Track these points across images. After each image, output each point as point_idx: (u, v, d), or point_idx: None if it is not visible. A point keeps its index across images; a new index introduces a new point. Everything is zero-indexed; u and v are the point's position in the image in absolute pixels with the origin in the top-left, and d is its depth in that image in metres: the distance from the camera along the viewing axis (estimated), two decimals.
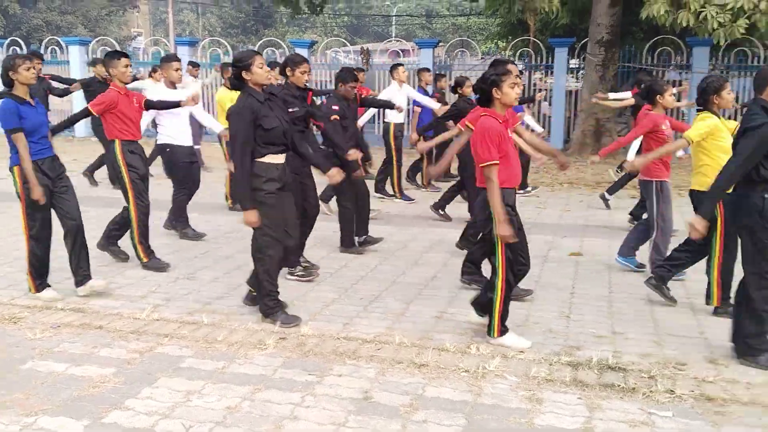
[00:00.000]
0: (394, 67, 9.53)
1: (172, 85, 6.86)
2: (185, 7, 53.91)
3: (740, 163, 3.91)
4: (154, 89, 7.25)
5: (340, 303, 5.12)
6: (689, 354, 4.19)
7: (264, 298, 4.59)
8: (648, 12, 9.58)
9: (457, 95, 7.49)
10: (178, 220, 7.14)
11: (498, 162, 4.01)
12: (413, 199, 9.32)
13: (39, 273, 5.12)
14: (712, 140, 4.88)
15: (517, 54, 17.00)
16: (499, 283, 4.16)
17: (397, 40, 24.86)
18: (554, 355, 4.13)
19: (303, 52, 16.52)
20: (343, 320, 4.73)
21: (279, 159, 4.52)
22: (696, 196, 5.00)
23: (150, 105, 6.12)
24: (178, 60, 6.96)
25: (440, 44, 18.06)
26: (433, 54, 16.44)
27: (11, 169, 4.91)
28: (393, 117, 9.33)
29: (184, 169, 6.93)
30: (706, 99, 4.90)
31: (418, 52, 16.99)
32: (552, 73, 15.90)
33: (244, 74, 4.42)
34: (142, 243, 5.92)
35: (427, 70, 10.57)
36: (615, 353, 4.18)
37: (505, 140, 4.09)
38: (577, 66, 17.88)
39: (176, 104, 6.36)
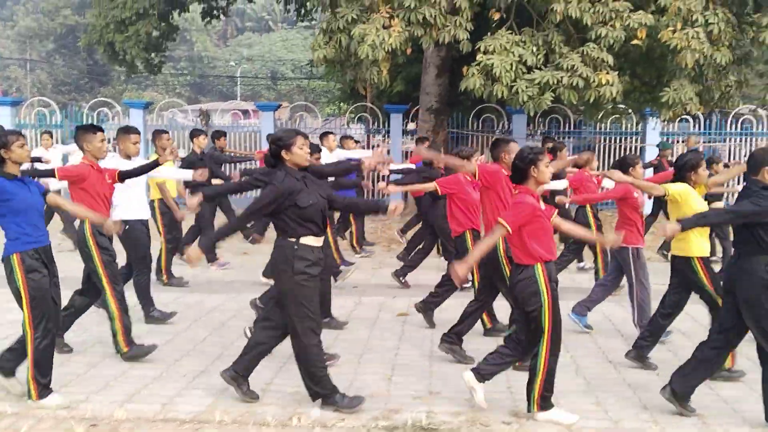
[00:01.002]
0: (324, 135, 10.26)
1: (128, 158, 6.16)
2: (11, 63, 50.80)
3: (738, 214, 4.34)
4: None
5: (161, 381, 4.97)
6: (495, 411, 4.46)
7: (324, 389, 4.39)
8: (466, 85, 10.35)
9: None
10: (143, 303, 6.52)
11: (510, 230, 4.17)
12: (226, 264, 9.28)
13: (44, 374, 4.42)
14: (688, 205, 5.00)
15: (356, 118, 17.66)
16: (542, 363, 4.22)
17: (243, 100, 24.87)
18: (373, 420, 4.26)
19: (138, 113, 16.12)
20: (162, 400, 4.59)
21: (318, 242, 4.36)
22: (677, 261, 5.17)
23: (125, 175, 5.59)
24: (137, 132, 6.29)
25: (283, 106, 18.34)
26: (274, 117, 16.65)
27: (6, 260, 4.39)
28: None
29: (147, 246, 6.45)
30: (684, 175, 5.19)
31: (260, 115, 17.13)
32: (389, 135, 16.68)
33: (283, 153, 4.32)
34: (126, 333, 5.36)
35: (351, 137, 11.54)
36: (429, 414, 4.38)
37: (541, 216, 4.26)
38: (414, 129, 18.84)
39: (155, 164, 5.81)
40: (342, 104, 23.09)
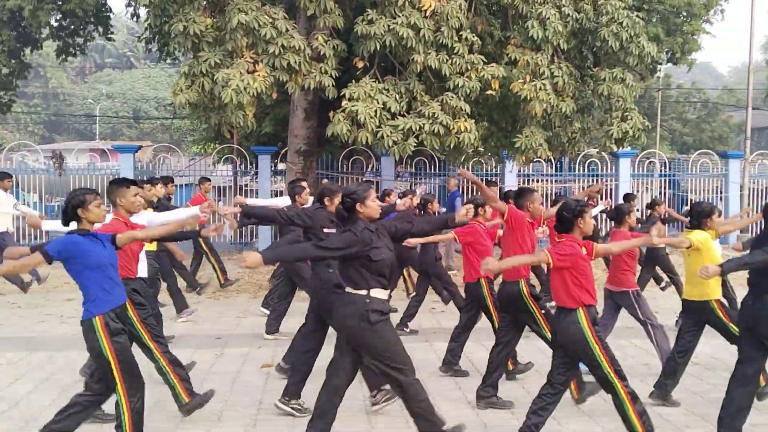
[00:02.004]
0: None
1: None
2: None
3: None
4: None
5: None
6: None
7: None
8: (333, 130, 10.50)
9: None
10: None
11: (551, 262, 4.46)
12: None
13: None
14: (707, 251, 5.36)
15: (223, 159, 17.38)
16: (623, 393, 4.41)
17: (103, 140, 23.79)
18: None
19: None
20: None
21: (386, 294, 4.42)
22: (693, 304, 5.52)
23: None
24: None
25: (145, 146, 17.71)
26: (134, 159, 16.04)
27: (87, 322, 4.19)
28: None
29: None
30: (700, 221, 5.49)
31: (119, 157, 16.45)
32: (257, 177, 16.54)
33: (358, 207, 4.41)
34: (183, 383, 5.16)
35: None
36: None
37: (586, 263, 4.52)
38: (283, 170, 18.79)
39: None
40: (208, 144, 22.65)
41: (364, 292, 4.32)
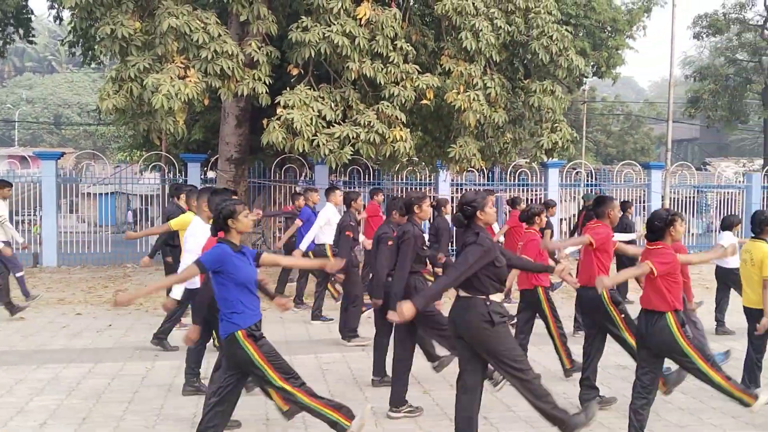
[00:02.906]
0: (331, 190, 9.41)
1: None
2: None
3: None
4: None
5: None
6: None
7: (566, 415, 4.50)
8: (268, 138, 10.33)
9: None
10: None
11: (656, 272, 4.68)
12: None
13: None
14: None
15: (150, 166, 16.90)
16: (718, 378, 4.75)
17: (22, 146, 22.80)
18: None
19: None
20: None
21: (500, 298, 4.54)
22: (754, 312, 5.87)
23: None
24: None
25: (68, 153, 17.04)
26: (56, 166, 15.40)
27: (230, 336, 4.22)
28: (328, 238, 9.14)
29: None
30: (763, 228, 5.63)
31: (41, 164, 15.76)
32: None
33: (478, 214, 4.52)
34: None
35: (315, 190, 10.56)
36: None
37: (678, 268, 4.81)
38: (214, 178, 18.42)
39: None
40: (135, 151, 22.01)
41: (483, 296, 4.46)
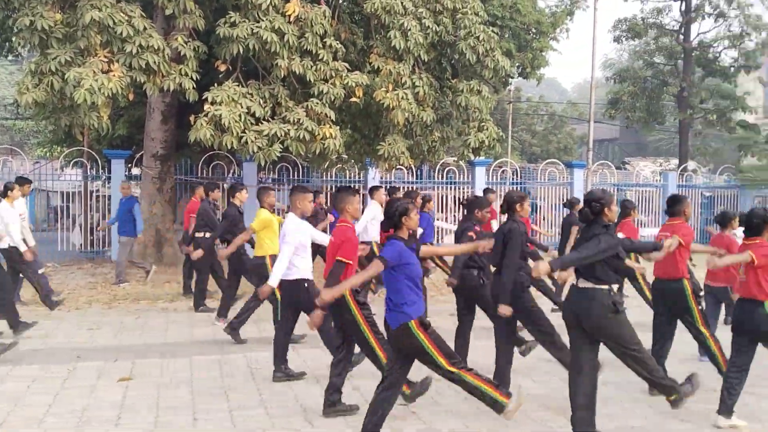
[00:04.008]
0: (375, 189, 9.99)
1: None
2: None
3: None
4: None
5: None
6: None
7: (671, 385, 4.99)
8: (196, 135, 10.19)
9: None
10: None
11: (754, 260, 5.13)
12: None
13: None
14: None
15: (72, 163, 16.37)
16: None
17: None
18: None
19: None
20: None
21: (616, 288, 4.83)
22: None
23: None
24: (310, 191, 6.59)
25: None
26: None
27: (404, 326, 4.47)
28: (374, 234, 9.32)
29: None
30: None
31: None
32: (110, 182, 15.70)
33: (606, 210, 4.81)
34: None
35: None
36: None
37: None
38: (139, 174, 17.98)
39: None
40: (55, 147, 21.21)
41: (606, 286, 4.71)
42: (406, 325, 4.47)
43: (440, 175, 18.25)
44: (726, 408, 5.20)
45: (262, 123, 10.44)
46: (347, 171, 17.12)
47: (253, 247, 7.90)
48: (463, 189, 18.01)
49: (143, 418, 5.36)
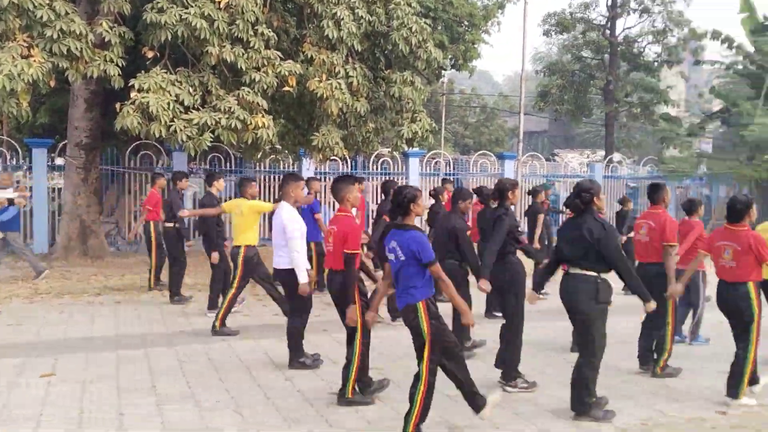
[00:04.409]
0: (312, 180, 10.07)
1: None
2: None
3: None
4: None
5: None
6: None
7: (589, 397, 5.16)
8: (122, 123, 9.86)
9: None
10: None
11: None
12: None
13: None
14: None
15: None
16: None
17: None
18: None
19: None
20: None
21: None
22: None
23: None
24: (302, 179, 6.82)
25: None
26: None
27: (412, 306, 4.65)
28: None
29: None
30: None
31: None
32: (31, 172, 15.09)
33: (595, 200, 5.15)
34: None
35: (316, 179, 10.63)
36: None
37: None
38: (62, 164, 17.33)
39: None
40: None
41: (596, 274, 5.10)
42: (413, 306, 4.65)
43: (374, 167, 18.28)
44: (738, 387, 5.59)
45: (191, 111, 10.19)
46: (281, 161, 16.95)
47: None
48: (397, 180, 18.09)
49: (66, 414, 5.18)
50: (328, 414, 5.24)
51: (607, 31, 26.30)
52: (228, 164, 16.68)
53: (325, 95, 10.77)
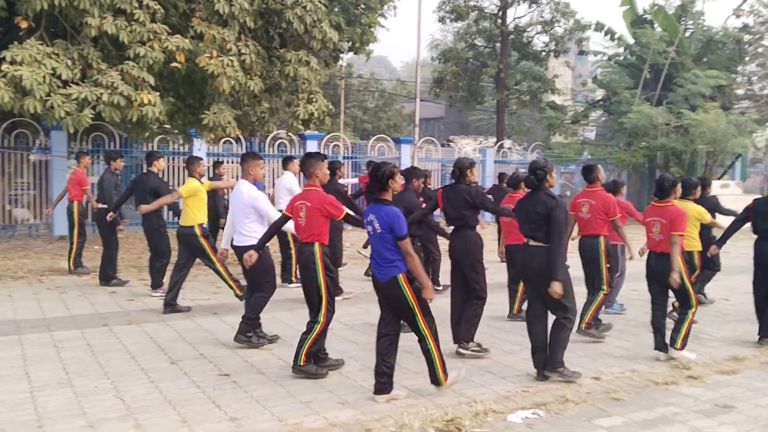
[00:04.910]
0: (290, 159, 9.86)
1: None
2: None
3: None
4: None
5: None
6: None
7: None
8: None
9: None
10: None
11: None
12: None
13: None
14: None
15: None
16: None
17: None
18: None
19: None
20: None
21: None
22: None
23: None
24: (261, 158, 6.78)
25: None
26: None
27: (394, 278, 4.90)
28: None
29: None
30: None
31: None
32: None
33: (548, 178, 5.48)
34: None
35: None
36: None
37: None
38: None
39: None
40: None
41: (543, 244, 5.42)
42: (396, 278, 4.89)
43: (271, 148, 17.95)
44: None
45: (70, 86, 9.58)
46: (171, 142, 16.32)
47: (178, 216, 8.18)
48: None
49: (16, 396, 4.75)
50: (289, 384, 5.06)
51: (499, 20, 26.94)
52: (113, 144, 15.87)
53: (216, 72, 10.41)
